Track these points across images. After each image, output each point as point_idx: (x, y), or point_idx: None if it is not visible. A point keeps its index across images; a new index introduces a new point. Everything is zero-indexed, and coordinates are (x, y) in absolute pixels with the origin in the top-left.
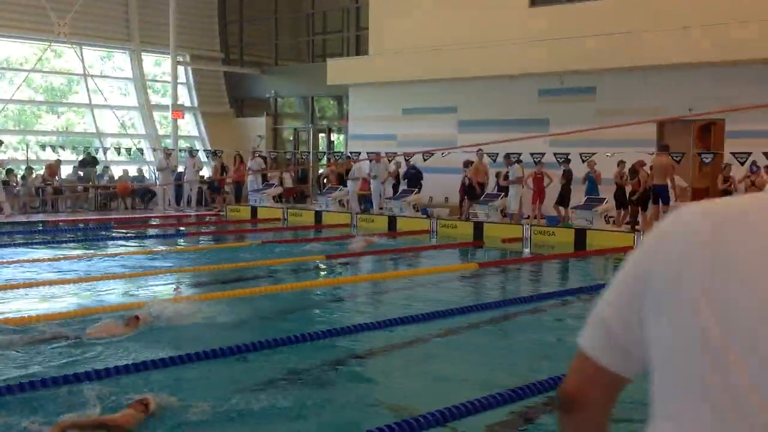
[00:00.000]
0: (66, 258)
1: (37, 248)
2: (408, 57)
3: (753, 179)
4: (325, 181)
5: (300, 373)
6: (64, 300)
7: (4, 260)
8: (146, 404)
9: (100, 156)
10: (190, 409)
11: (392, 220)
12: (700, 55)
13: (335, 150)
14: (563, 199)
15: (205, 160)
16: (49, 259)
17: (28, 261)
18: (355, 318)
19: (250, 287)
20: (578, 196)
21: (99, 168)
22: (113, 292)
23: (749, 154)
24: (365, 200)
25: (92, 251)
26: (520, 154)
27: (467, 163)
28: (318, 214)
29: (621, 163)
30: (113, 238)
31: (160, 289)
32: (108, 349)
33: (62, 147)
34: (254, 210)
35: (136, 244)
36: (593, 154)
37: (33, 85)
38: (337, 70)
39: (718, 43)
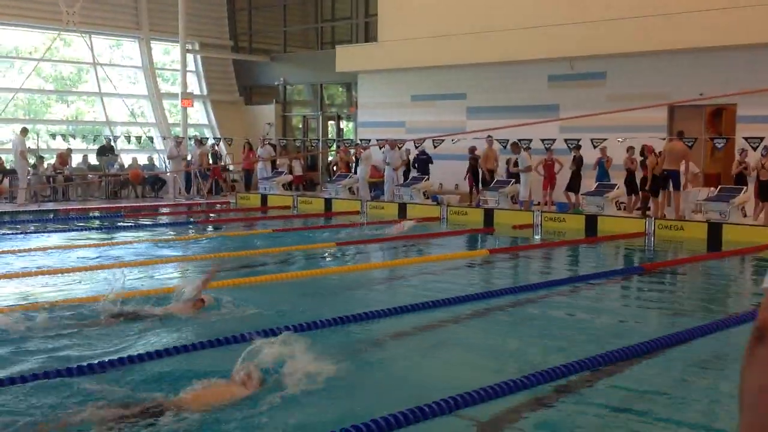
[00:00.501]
0: (96, 245)
1: (74, 235)
2: (417, 43)
3: (763, 162)
4: (334, 168)
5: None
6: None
7: (26, 248)
8: (203, 300)
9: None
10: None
11: (402, 207)
12: (711, 39)
13: (344, 137)
14: (574, 185)
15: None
16: (79, 246)
17: (47, 249)
18: (366, 305)
19: (269, 274)
20: (589, 182)
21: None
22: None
23: (761, 138)
24: (375, 187)
25: (110, 239)
26: (530, 141)
27: (472, 150)
28: (328, 202)
29: (630, 149)
30: (129, 227)
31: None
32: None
33: (72, 136)
34: (264, 198)
35: (151, 233)
36: (604, 139)
37: (43, 74)
38: (346, 57)
39: (729, 27)
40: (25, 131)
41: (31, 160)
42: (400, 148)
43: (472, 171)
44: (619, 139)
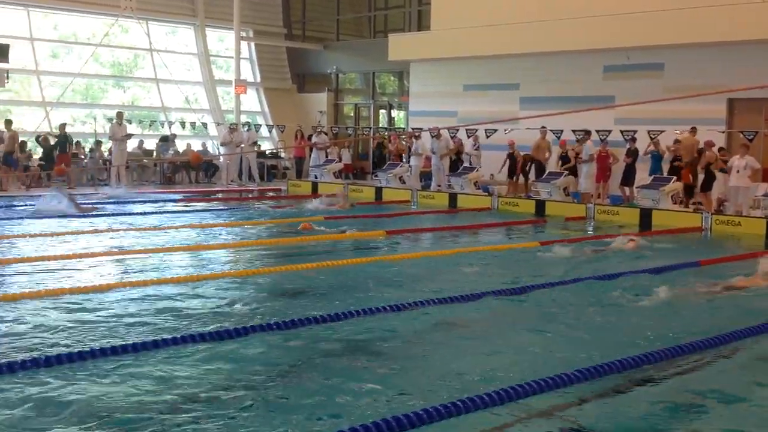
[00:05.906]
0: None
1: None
2: (470, 32)
3: None
4: (392, 156)
5: (356, 347)
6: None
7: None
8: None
9: (165, 130)
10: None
11: (453, 197)
12: None
13: (396, 126)
14: (628, 178)
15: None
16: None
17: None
18: (413, 295)
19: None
20: (643, 175)
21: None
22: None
23: None
24: (424, 177)
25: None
26: (585, 132)
27: (512, 144)
28: (378, 191)
29: (677, 142)
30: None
31: None
32: None
33: (129, 121)
34: (315, 185)
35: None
36: (661, 132)
37: (100, 59)
38: (398, 46)
39: None
40: (120, 116)
41: (88, 145)
42: (453, 138)
43: (511, 164)
44: (677, 132)
